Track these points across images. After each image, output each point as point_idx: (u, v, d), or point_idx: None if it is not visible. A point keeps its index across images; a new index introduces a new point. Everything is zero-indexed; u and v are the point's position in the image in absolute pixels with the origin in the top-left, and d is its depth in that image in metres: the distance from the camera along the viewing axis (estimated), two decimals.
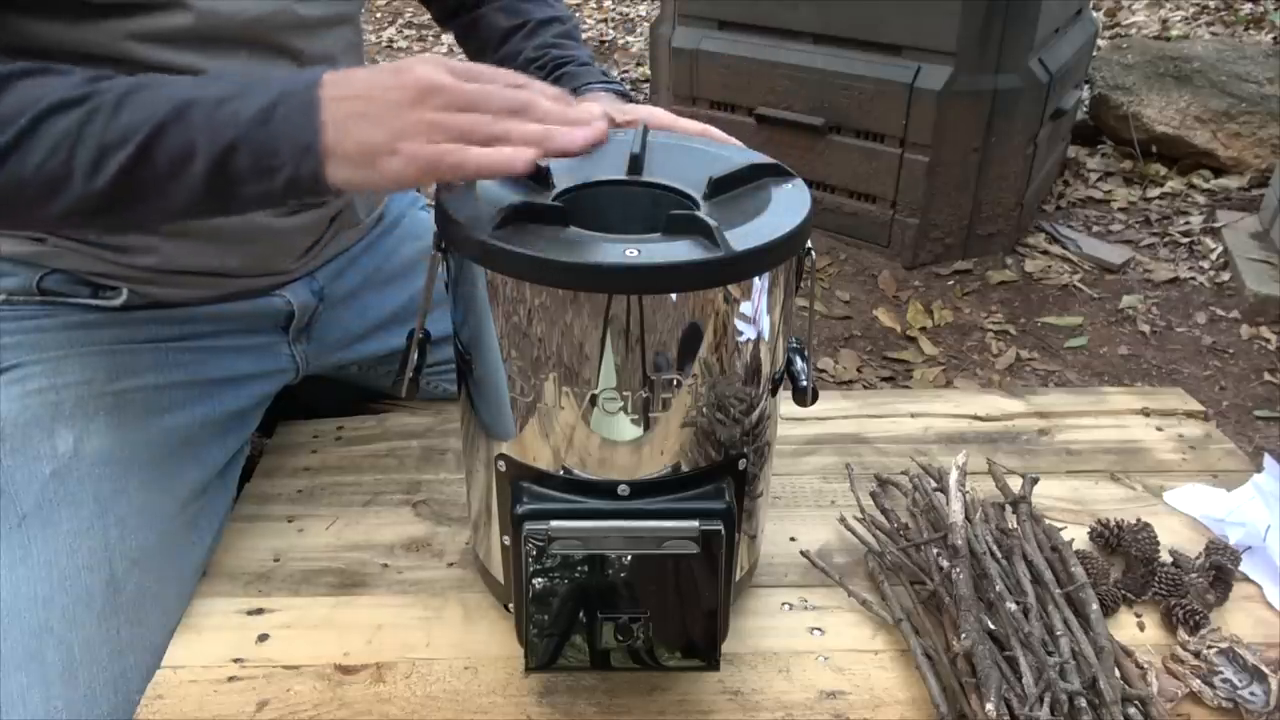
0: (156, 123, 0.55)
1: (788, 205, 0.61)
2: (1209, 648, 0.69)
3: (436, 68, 0.55)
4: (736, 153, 0.70)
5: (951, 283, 2.45)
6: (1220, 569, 0.76)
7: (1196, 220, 2.73)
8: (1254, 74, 2.98)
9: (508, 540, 0.65)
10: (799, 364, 0.67)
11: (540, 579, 0.60)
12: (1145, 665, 0.68)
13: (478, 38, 0.97)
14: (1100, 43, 3.51)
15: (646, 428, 0.60)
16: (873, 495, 0.85)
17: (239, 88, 0.56)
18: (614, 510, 0.62)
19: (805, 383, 0.67)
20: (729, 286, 0.57)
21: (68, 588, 0.68)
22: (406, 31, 4.68)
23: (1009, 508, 0.81)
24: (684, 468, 0.62)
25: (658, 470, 0.62)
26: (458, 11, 0.99)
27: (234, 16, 0.72)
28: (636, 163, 0.67)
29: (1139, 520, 0.80)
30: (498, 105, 0.54)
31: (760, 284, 0.59)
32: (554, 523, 0.60)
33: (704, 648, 0.62)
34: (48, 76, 0.58)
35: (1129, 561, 0.77)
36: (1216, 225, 2.67)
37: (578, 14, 4.99)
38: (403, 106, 0.54)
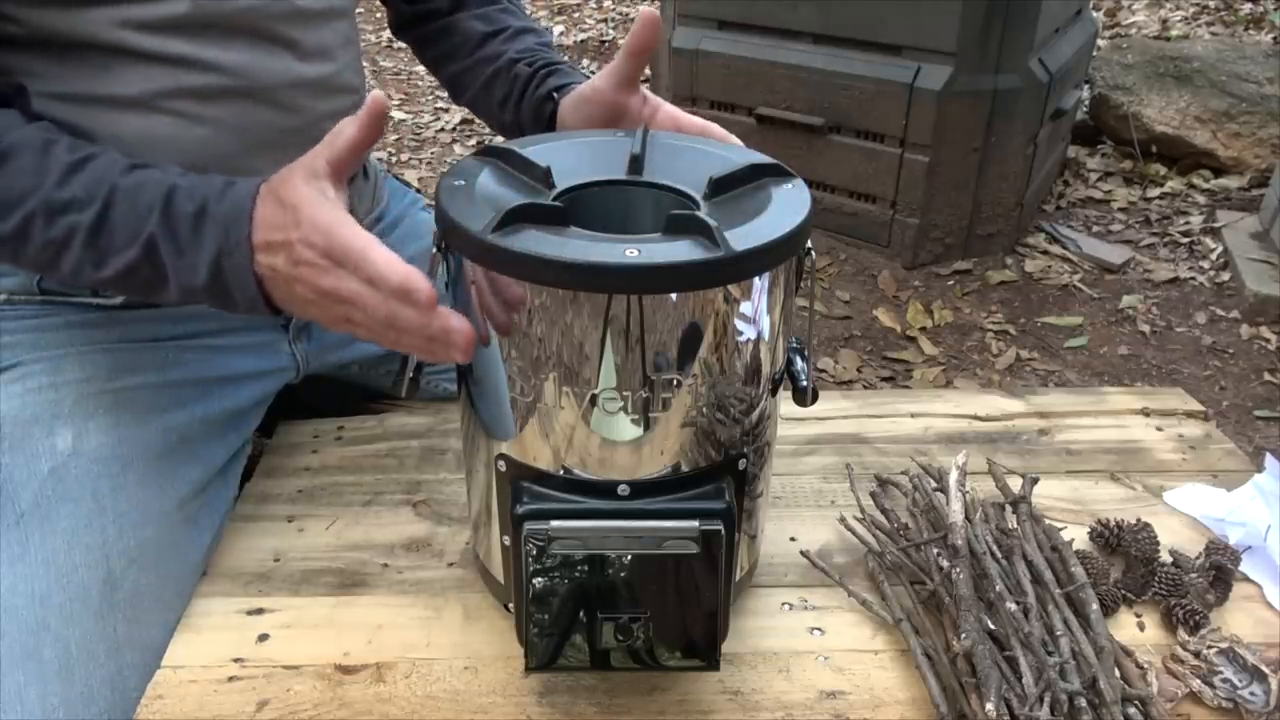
0: (129, 264, 0.64)
1: (788, 205, 0.61)
2: (1209, 648, 0.69)
3: (320, 256, 0.59)
4: (736, 153, 0.70)
5: (951, 283, 2.45)
6: (1220, 569, 0.76)
7: (1196, 220, 2.73)
8: (1254, 74, 2.98)
9: (508, 540, 0.65)
10: (799, 364, 0.68)
11: (540, 579, 0.60)
12: (1145, 665, 0.68)
13: (448, 43, 0.97)
14: (1100, 43, 3.51)
15: (646, 428, 0.60)
16: (873, 495, 0.85)
17: (189, 229, 0.63)
18: (614, 510, 0.62)
19: (805, 383, 0.67)
20: (729, 286, 0.57)
21: (65, 585, 0.68)
22: None
23: (1009, 508, 0.81)
24: (684, 468, 0.62)
25: (658, 470, 0.62)
26: (427, 18, 0.98)
27: (229, 4, 0.72)
28: (636, 163, 0.67)
29: (1139, 520, 0.80)
30: (373, 315, 0.58)
31: (760, 284, 0.59)
32: (554, 523, 0.60)
33: (704, 648, 0.62)
34: (18, 159, 0.64)
35: (1129, 561, 0.77)
36: (1216, 225, 2.67)
37: (577, 14, 4.99)
38: (315, 304, 0.61)
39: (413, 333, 0.57)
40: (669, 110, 0.79)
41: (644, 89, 0.79)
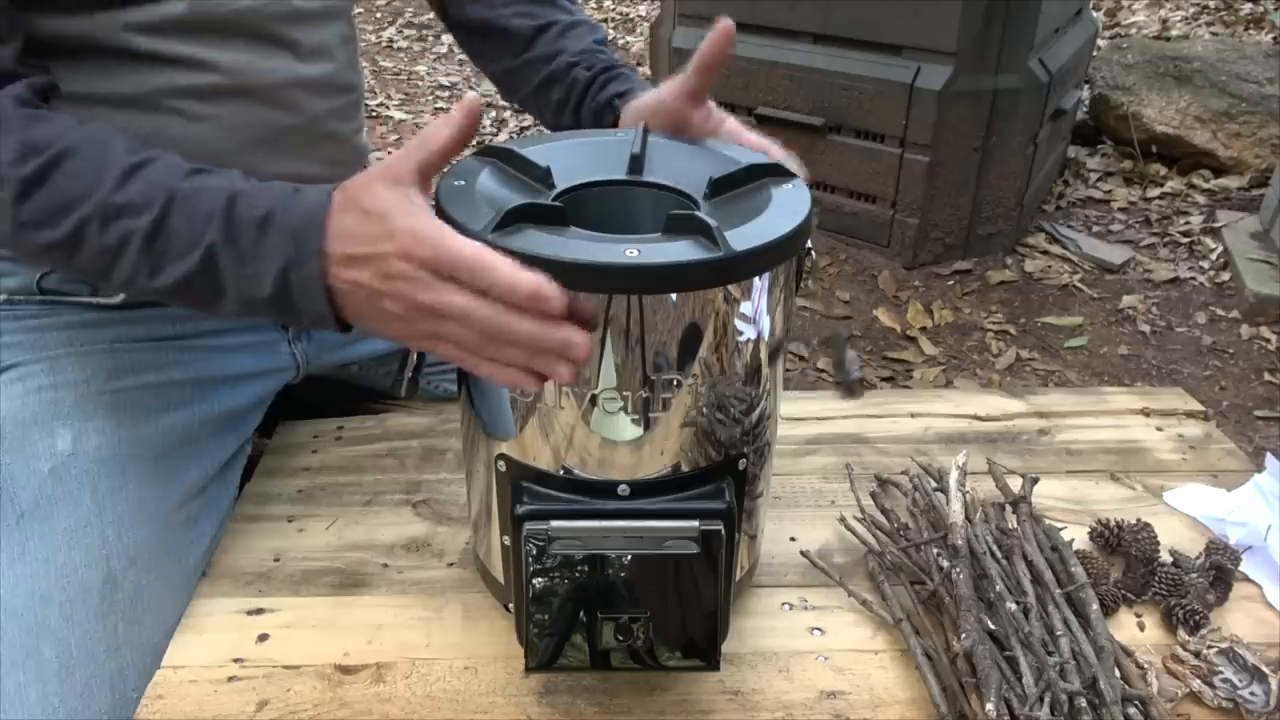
0: (186, 274, 0.61)
1: (788, 205, 0.61)
2: (1209, 648, 0.69)
3: (419, 269, 0.55)
4: (736, 153, 0.70)
5: (951, 283, 2.45)
6: (1220, 569, 0.76)
7: (1196, 220, 2.73)
8: (1254, 74, 2.98)
9: (508, 540, 0.65)
10: (850, 355, 0.66)
11: (540, 579, 0.60)
12: (1145, 665, 0.68)
13: (495, 40, 0.94)
14: (1100, 43, 3.51)
15: (646, 428, 0.60)
16: (873, 495, 0.85)
17: (253, 238, 0.59)
18: (614, 510, 0.62)
19: (857, 374, 0.66)
20: (729, 286, 0.57)
21: (65, 585, 0.68)
22: (406, 31, 4.68)
23: (1009, 508, 0.81)
24: (684, 468, 0.62)
25: (658, 470, 0.62)
26: (468, 12, 0.95)
27: (227, 5, 0.72)
28: (636, 163, 0.67)
29: (1139, 520, 0.80)
30: (479, 328, 0.55)
31: (760, 284, 0.59)
32: (554, 523, 0.60)
33: (704, 648, 0.62)
34: (74, 160, 0.61)
35: (1129, 561, 0.77)
36: (1216, 225, 2.67)
37: None
38: (402, 319, 0.57)
39: (524, 345, 0.54)
40: (732, 125, 0.76)
41: (710, 102, 0.76)
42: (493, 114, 3.63)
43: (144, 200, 0.60)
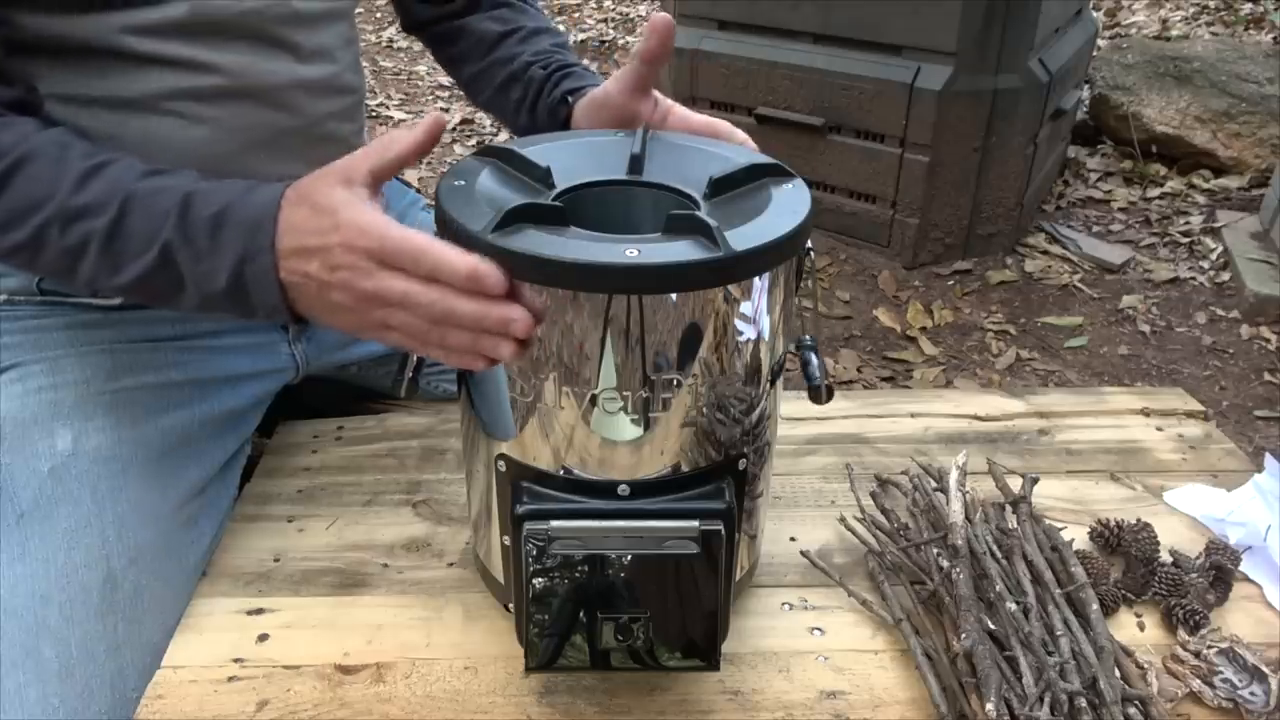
0: (145, 270, 0.63)
1: (788, 205, 0.61)
2: (1209, 648, 0.69)
3: (364, 259, 0.57)
4: (737, 153, 0.70)
5: (951, 283, 2.45)
6: (1220, 569, 0.76)
7: (1196, 220, 2.73)
8: (1254, 74, 2.98)
9: (508, 540, 0.65)
10: (814, 362, 0.67)
11: (540, 579, 0.60)
12: (1145, 665, 0.68)
13: (463, 44, 0.96)
14: (1100, 43, 3.52)
15: (646, 428, 0.60)
16: (873, 495, 0.85)
17: (207, 234, 0.62)
18: (614, 510, 0.62)
19: (819, 381, 0.67)
20: (729, 286, 0.57)
21: (65, 585, 0.68)
22: None
23: (1009, 508, 0.81)
24: (684, 468, 0.62)
25: (658, 470, 0.62)
26: (438, 19, 0.97)
27: (228, 8, 0.72)
28: (636, 163, 0.67)
29: (1139, 520, 0.80)
30: (423, 313, 0.57)
31: (760, 284, 0.59)
32: (554, 523, 0.60)
33: (704, 648, 0.62)
34: (34, 164, 0.63)
35: (1129, 561, 0.77)
36: (1216, 225, 2.67)
37: (578, 14, 4.99)
38: (350, 310, 0.59)
39: (468, 326, 0.56)
40: (680, 113, 0.78)
41: (655, 93, 0.79)
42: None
43: (102, 201, 0.62)
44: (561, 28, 4.65)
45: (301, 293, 0.61)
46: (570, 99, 0.84)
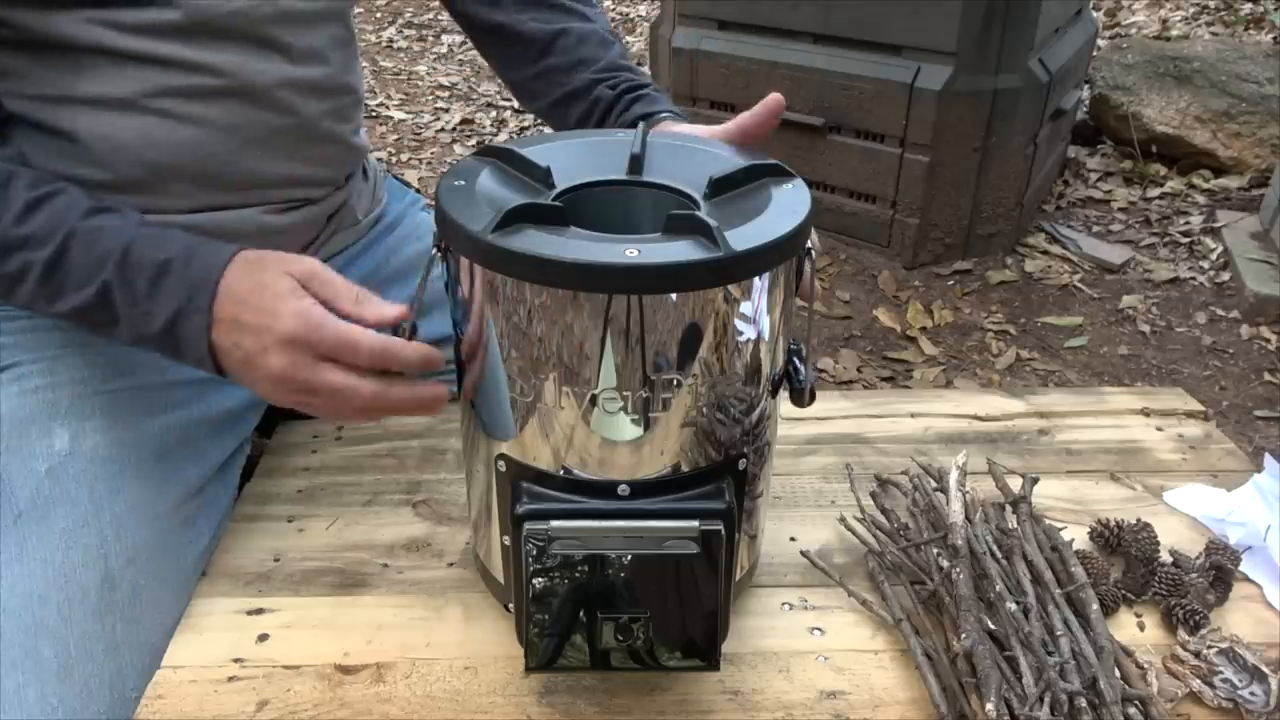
0: (82, 305, 0.66)
1: (788, 205, 0.61)
2: (1209, 648, 0.69)
3: (300, 354, 0.61)
4: (737, 153, 0.70)
5: (951, 283, 2.45)
6: (1220, 569, 0.76)
7: (1196, 220, 2.73)
8: (1254, 74, 2.98)
9: (508, 540, 0.65)
10: (797, 365, 0.67)
11: (540, 579, 0.60)
12: (1145, 665, 0.68)
13: (514, 49, 0.93)
14: (1100, 43, 3.51)
15: (646, 428, 0.60)
16: (873, 495, 0.85)
17: (147, 282, 0.64)
18: (614, 510, 0.61)
19: (803, 383, 0.67)
20: (729, 286, 0.57)
21: (63, 585, 0.68)
22: (406, 31, 4.68)
23: (1009, 508, 0.81)
24: (684, 468, 0.62)
25: (658, 470, 0.62)
26: (474, 13, 0.94)
27: (219, 8, 0.72)
28: (636, 163, 0.67)
29: (1139, 520, 0.80)
30: (358, 403, 0.63)
31: (760, 284, 0.59)
32: (554, 523, 0.60)
33: (704, 648, 0.62)
34: None
35: (1129, 561, 0.77)
36: (1216, 225, 2.67)
37: None
38: (274, 386, 0.63)
39: (392, 409, 0.63)
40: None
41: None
42: (493, 114, 3.63)
43: (44, 234, 0.65)
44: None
45: (229, 359, 0.64)
46: (643, 125, 0.83)
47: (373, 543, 0.82)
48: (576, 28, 0.92)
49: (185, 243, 0.66)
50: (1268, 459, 0.88)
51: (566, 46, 0.91)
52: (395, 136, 3.44)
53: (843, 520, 0.83)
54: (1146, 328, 2.29)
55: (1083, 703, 0.62)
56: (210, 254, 0.65)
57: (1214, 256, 2.55)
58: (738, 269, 0.56)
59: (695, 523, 0.60)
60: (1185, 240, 2.65)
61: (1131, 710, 0.63)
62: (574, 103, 0.90)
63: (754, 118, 0.73)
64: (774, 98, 0.73)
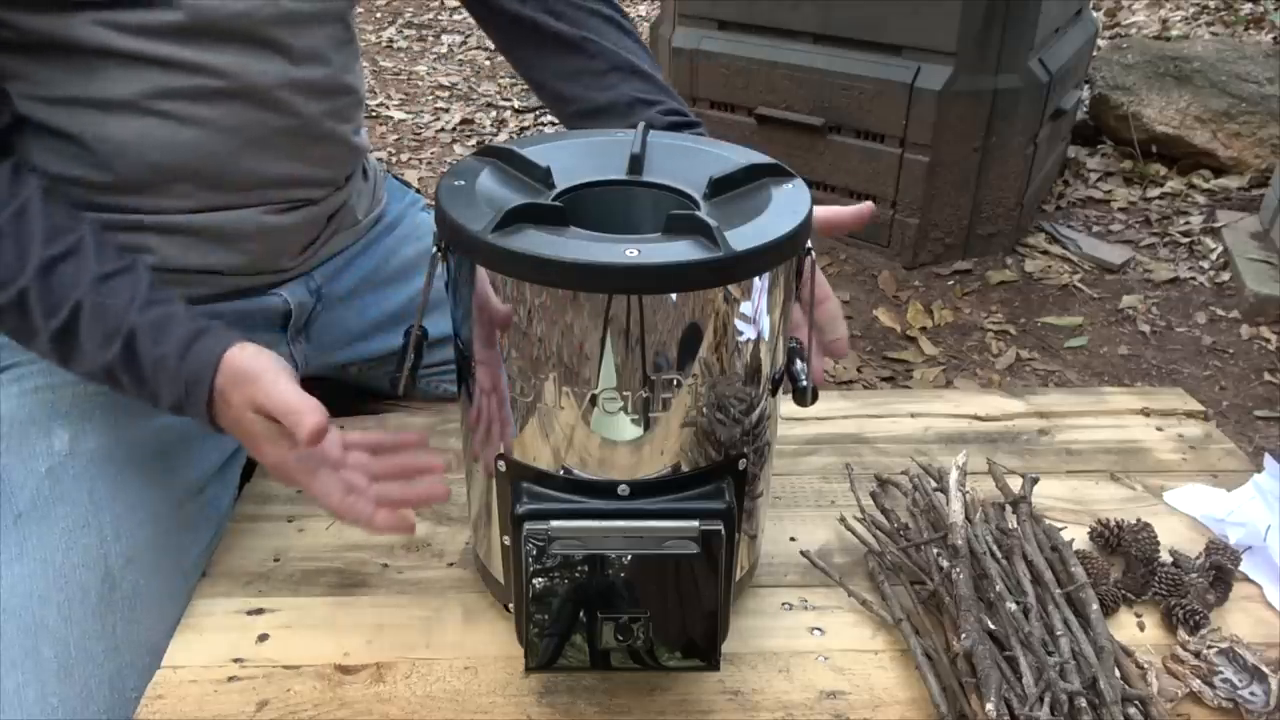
0: (91, 372, 0.69)
1: (788, 205, 0.61)
2: (1209, 648, 0.69)
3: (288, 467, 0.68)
4: (736, 153, 0.70)
5: (951, 283, 2.45)
6: (1220, 569, 0.76)
7: (1196, 220, 2.73)
8: (1254, 74, 2.98)
9: (508, 540, 0.65)
10: (799, 364, 0.67)
11: (540, 579, 0.60)
12: (1145, 665, 0.68)
13: (544, 49, 0.89)
14: (1100, 43, 3.51)
15: (646, 428, 0.60)
16: (873, 495, 0.85)
17: (151, 371, 0.67)
18: (614, 510, 0.61)
19: (805, 383, 0.67)
20: (729, 286, 0.57)
21: (63, 585, 0.68)
22: (406, 31, 4.68)
23: (1009, 508, 0.81)
24: (684, 468, 0.62)
25: (658, 470, 0.62)
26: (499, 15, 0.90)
27: (221, 9, 0.71)
28: (636, 163, 0.67)
29: (1139, 520, 0.80)
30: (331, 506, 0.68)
31: (760, 284, 0.59)
32: (554, 523, 0.60)
33: (704, 648, 0.62)
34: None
35: (1129, 561, 0.77)
36: (1216, 225, 2.67)
37: None
38: (272, 467, 0.69)
39: (364, 521, 0.69)
40: (833, 307, 0.74)
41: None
42: (493, 114, 3.63)
43: (52, 306, 0.67)
44: None
45: (232, 432, 0.69)
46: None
47: (373, 543, 0.82)
48: (605, 41, 0.88)
49: (181, 338, 0.67)
50: (1268, 459, 0.88)
51: (601, 47, 0.88)
52: (395, 136, 3.44)
53: (843, 520, 0.83)
54: (1146, 328, 2.29)
55: (1083, 703, 0.62)
56: (202, 353, 0.67)
57: (1214, 256, 2.55)
58: (738, 269, 0.56)
59: (695, 523, 0.60)
60: (1185, 240, 2.65)
61: (1131, 710, 0.63)
62: (612, 123, 0.86)
63: (840, 217, 0.75)
64: (867, 206, 0.75)
